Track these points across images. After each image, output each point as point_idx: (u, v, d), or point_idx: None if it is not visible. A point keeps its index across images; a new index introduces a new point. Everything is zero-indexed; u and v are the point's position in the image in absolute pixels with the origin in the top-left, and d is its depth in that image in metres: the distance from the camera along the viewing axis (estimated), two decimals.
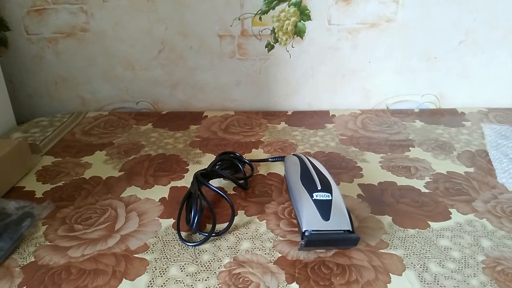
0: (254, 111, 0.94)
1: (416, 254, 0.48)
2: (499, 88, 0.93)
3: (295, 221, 0.53)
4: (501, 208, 0.56)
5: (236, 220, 0.54)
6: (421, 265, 0.46)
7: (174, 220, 0.54)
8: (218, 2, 0.84)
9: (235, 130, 0.84)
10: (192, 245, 0.50)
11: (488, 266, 0.46)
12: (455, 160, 0.69)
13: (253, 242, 0.50)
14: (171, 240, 0.51)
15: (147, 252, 0.49)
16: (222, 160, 0.65)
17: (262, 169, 0.68)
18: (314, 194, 0.49)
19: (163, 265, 0.47)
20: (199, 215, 0.51)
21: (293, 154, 0.63)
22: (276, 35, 0.88)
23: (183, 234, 0.51)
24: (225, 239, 0.51)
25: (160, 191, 0.61)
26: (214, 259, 0.47)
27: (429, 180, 0.63)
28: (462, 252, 0.48)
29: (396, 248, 0.49)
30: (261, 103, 0.96)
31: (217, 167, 0.63)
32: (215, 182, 0.61)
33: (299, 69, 0.92)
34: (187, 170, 0.68)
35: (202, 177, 0.57)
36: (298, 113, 0.93)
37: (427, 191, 0.60)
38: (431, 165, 0.68)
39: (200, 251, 0.49)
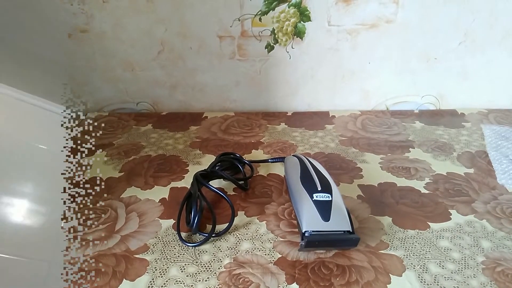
0: (254, 112, 0.94)
1: (416, 255, 0.48)
2: (499, 89, 0.93)
3: (295, 221, 0.53)
4: (501, 209, 0.56)
5: (236, 220, 0.54)
6: (421, 265, 0.46)
7: (174, 221, 0.54)
8: (218, 3, 0.84)
9: (235, 131, 0.84)
10: (192, 246, 0.50)
11: (488, 267, 0.46)
12: (455, 161, 0.70)
13: (253, 242, 0.50)
14: (171, 241, 0.51)
15: (147, 253, 0.49)
16: (222, 161, 0.65)
17: (262, 170, 0.68)
18: (314, 195, 0.49)
19: (163, 265, 0.47)
20: (199, 216, 0.51)
21: (293, 155, 0.63)
22: (276, 36, 0.88)
23: (183, 234, 0.51)
24: (225, 239, 0.51)
25: (160, 192, 0.61)
26: (214, 259, 0.47)
27: (429, 181, 0.63)
28: (462, 253, 0.48)
29: (396, 248, 0.49)
30: (261, 104, 0.96)
31: (217, 167, 0.63)
32: (215, 183, 0.61)
33: (298, 70, 0.92)
34: (187, 170, 0.68)
35: (202, 178, 0.57)
36: (298, 114, 0.93)
37: (427, 192, 0.60)
38: (431, 166, 0.68)
39: (200, 251, 0.49)
